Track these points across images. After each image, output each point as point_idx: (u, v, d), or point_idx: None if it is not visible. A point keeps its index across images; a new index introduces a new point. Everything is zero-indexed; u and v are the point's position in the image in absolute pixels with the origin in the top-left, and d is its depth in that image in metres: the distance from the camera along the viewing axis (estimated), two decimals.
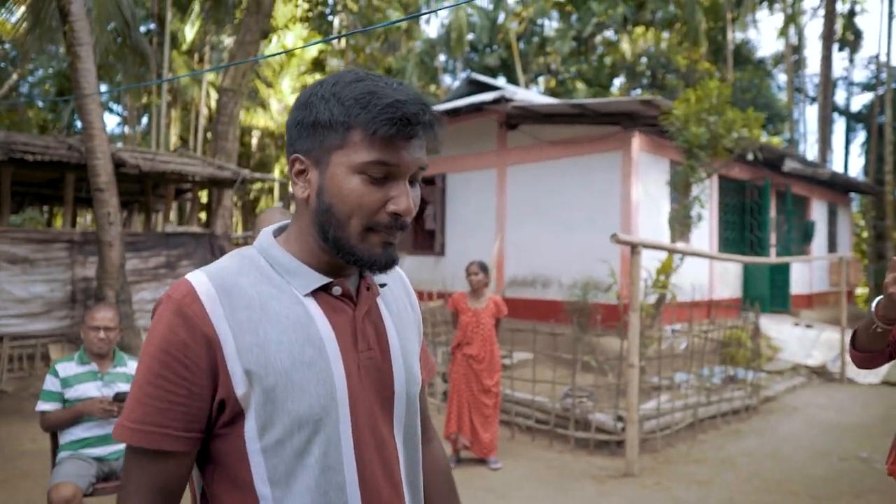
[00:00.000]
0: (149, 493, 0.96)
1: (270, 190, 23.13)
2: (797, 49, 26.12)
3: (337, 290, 1.03)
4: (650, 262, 7.30)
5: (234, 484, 0.98)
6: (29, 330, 7.32)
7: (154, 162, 8.11)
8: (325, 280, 1.02)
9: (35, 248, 7.44)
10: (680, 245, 7.31)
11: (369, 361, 1.04)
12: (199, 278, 0.99)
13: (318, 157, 0.99)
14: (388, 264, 1.01)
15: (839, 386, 8.21)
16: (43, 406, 3.28)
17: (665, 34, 24.68)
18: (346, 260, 1.00)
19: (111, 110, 26.63)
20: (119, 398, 3.23)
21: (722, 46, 23.69)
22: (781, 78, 27.33)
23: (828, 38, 20.00)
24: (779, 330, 9.79)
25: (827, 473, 4.90)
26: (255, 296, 0.98)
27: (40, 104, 24.48)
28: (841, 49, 24.77)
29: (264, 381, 0.94)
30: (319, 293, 1.02)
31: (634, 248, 4.99)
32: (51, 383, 3.32)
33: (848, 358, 8.82)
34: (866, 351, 2.12)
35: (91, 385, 3.35)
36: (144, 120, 24.43)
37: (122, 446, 3.31)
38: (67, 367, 3.37)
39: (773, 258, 10.45)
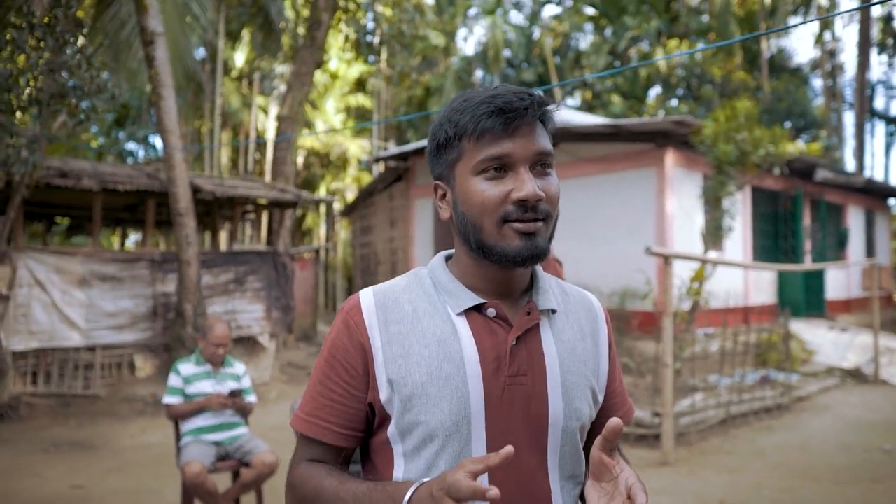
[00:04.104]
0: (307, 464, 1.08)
1: (317, 206, 24.03)
2: (833, 54, 26.08)
3: (491, 311, 1.04)
4: (685, 270, 7.79)
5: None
6: (118, 341, 8.14)
7: (224, 187, 8.92)
8: (478, 300, 1.04)
9: (121, 267, 8.28)
10: (710, 255, 7.78)
11: (519, 387, 1.02)
12: (366, 294, 1.08)
13: (448, 176, 1.05)
14: (531, 256, 0.99)
15: (872, 387, 8.52)
16: (169, 399, 3.96)
17: (700, 45, 24.95)
18: (494, 260, 1.01)
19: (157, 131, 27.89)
20: (233, 394, 3.93)
21: (757, 55, 23.86)
22: (820, 83, 27.31)
23: (863, 44, 20.06)
24: (813, 334, 10.12)
25: (850, 463, 5.32)
26: (409, 312, 1.05)
27: (94, 129, 25.92)
28: (880, 53, 24.69)
29: (403, 391, 1.00)
30: (474, 314, 1.04)
31: (667, 259, 5.52)
32: (174, 380, 3.99)
33: (883, 359, 9.12)
34: None
35: (207, 383, 4.03)
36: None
37: (234, 433, 3.99)
38: (187, 368, 4.05)
39: (802, 265, 10.78)
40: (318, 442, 1.06)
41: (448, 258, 1.13)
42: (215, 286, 9.09)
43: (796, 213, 11.78)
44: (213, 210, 10.86)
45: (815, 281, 11.96)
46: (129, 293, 8.34)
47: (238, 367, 4.23)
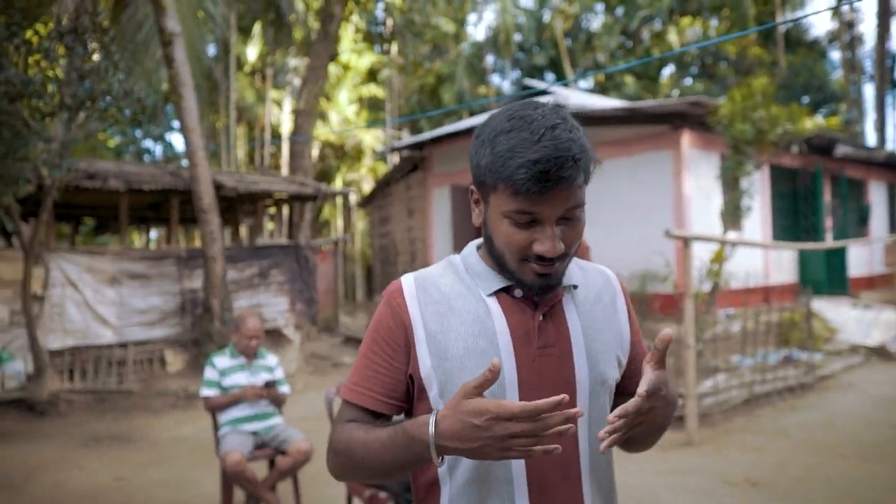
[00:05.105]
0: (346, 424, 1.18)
1: (334, 198, 24.19)
2: (851, 25, 25.63)
3: (518, 292, 1.14)
4: (704, 252, 7.82)
5: None
6: (149, 337, 8.35)
7: (246, 183, 9.06)
8: (505, 283, 1.15)
9: (150, 265, 8.47)
10: (730, 235, 7.79)
11: (548, 358, 1.12)
12: (407, 278, 1.20)
13: (483, 194, 1.12)
14: (543, 289, 1.11)
15: None
16: (206, 392, 4.09)
17: (713, 22, 24.67)
18: (510, 280, 1.14)
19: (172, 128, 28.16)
20: (268, 385, 4.07)
21: (772, 30, 23.53)
22: (838, 55, 26.88)
23: (883, 13, 19.69)
24: (836, 312, 10.09)
25: (875, 440, 5.36)
26: (446, 293, 1.16)
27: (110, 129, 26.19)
28: None
29: (444, 364, 1.11)
30: (502, 294, 1.15)
31: (686, 241, 5.56)
32: (211, 373, 4.13)
33: None
34: None
35: (241, 375, 4.16)
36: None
37: (270, 422, 4.12)
38: (222, 361, 4.18)
39: (823, 243, 10.73)
40: (359, 407, 1.17)
41: (479, 247, 1.22)
42: (240, 281, 9.26)
43: (816, 191, 11.69)
44: (234, 206, 11.03)
45: (836, 258, 11.89)
46: (158, 290, 8.53)
47: (270, 358, 4.36)
